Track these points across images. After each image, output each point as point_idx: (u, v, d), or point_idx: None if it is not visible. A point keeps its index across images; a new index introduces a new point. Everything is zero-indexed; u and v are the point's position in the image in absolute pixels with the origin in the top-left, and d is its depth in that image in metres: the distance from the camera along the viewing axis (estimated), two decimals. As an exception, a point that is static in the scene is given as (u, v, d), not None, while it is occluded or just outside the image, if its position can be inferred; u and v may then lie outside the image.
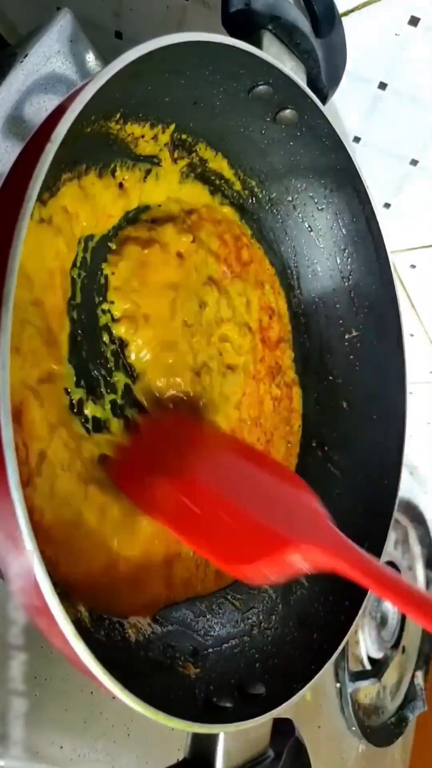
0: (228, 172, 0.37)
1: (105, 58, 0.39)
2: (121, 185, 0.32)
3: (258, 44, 0.32)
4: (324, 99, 0.36)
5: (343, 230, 0.38)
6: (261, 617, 0.36)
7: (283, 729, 0.31)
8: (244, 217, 0.39)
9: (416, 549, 0.80)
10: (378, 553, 0.34)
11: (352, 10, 0.41)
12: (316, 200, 0.38)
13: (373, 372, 0.39)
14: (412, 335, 0.67)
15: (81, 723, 0.37)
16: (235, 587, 0.36)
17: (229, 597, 0.36)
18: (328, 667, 0.31)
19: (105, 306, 0.31)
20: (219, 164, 0.36)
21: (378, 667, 0.71)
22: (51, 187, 0.28)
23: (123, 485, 0.27)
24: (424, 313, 0.64)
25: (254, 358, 0.39)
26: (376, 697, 0.74)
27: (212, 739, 0.27)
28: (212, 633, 0.34)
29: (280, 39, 0.33)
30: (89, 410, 0.29)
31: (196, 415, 0.32)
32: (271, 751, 0.30)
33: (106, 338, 0.31)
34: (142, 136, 0.32)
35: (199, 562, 0.34)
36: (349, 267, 0.39)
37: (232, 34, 0.32)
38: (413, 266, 0.59)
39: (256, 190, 0.38)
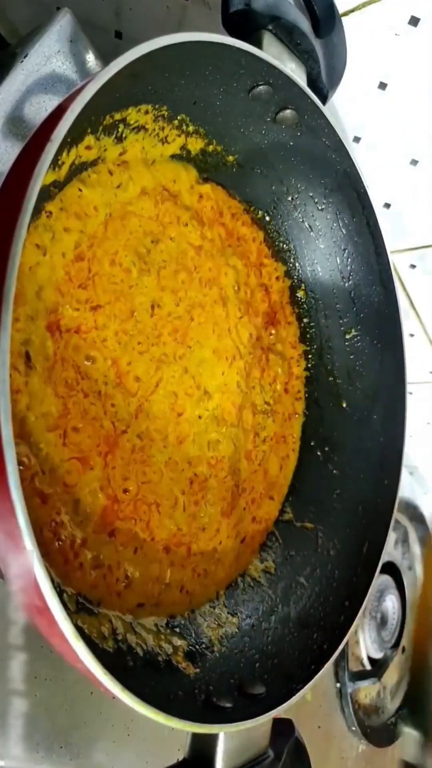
0: (228, 172, 0.37)
1: (105, 58, 0.39)
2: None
3: (258, 44, 0.32)
4: (324, 99, 0.36)
5: (343, 230, 0.38)
6: (261, 617, 0.36)
7: (283, 729, 0.31)
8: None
9: (416, 549, 0.80)
10: (379, 552, 0.34)
11: (352, 10, 0.41)
12: (316, 200, 0.38)
13: (373, 372, 0.39)
14: (412, 335, 0.67)
15: (81, 723, 0.37)
16: (231, 592, 0.36)
17: (227, 599, 0.36)
18: (328, 667, 0.31)
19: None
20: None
21: (378, 667, 0.71)
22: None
23: None
24: (424, 313, 0.64)
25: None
26: (376, 697, 0.74)
27: (212, 739, 0.27)
28: (212, 632, 0.34)
29: (280, 39, 0.33)
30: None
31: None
32: (271, 751, 0.30)
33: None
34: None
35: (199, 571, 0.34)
36: (349, 267, 0.39)
37: (233, 35, 0.32)
38: (413, 266, 0.59)
39: (256, 190, 0.38)
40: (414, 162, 0.50)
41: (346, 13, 0.41)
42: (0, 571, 0.22)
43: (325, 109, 0.33)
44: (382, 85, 0.45)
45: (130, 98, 0.29)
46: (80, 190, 0.30)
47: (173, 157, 0.34)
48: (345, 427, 0.40)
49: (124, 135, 0.31)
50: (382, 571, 0.71)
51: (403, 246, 0.58)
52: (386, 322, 0.37)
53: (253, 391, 0.39)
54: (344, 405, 0.40)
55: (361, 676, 0.68)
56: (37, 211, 0.28)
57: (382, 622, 0.72)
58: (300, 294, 0.41)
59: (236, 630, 0.35)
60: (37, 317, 0.28)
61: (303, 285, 0.41)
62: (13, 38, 0.48)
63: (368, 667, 0.71)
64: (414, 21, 0.41)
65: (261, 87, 0.31)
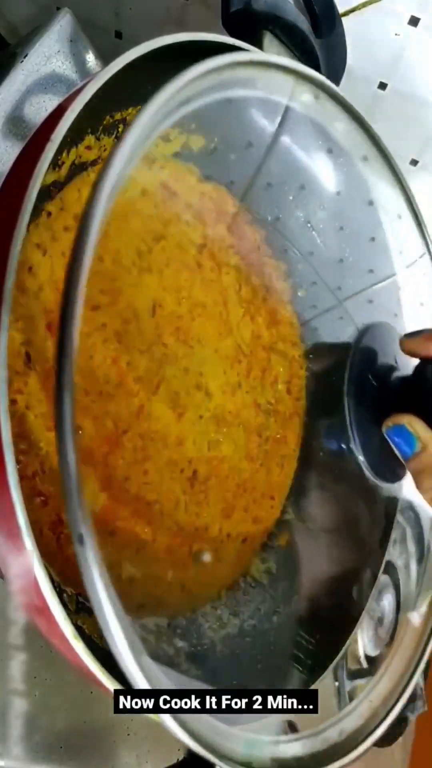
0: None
1: (105, 58, 0.39)
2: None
3: (258, 44, 0.32)
4: (324, 99, 0.36)
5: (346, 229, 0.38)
6: (263, 618, 0.36)
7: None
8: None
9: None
10: (382, 553, 0.34)
11: (352, 10, 0.41)
12: (318, 199, 0.38)
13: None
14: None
15: (81, 723, 0.37)
16: (232, 594, 0.36)
17: (229, 599, 0.36)
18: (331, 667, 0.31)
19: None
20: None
21: (374, 665, 0.71)
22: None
23: None
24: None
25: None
26: (375, 697, 0.73)
27: (212, 739, 0.27)
28: (214, 633, 0.34)
29: (280, 39, 0.33)
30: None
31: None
32: (272, 751, 0.30)
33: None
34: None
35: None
36: (351, 267, 0.39)
37: (233, 35, 0.32)
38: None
39: (256, 189, 0.38)
40: (414, 162, 0.50)
41: (346, 13, 0.41)
42: (0, 571, 0.22)
43: (326, 109, 0.33)
44: (382, 85, 0.45)
45: (131, 98, 0.29)
46: (80, 190, 0.30)
47: (174, 155, 0.34)
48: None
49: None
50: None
51: (403, 246, 0.58)
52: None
53: (255, 390, 0.39)
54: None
55: (358, 674, 0.68)
56: (37, 211, 0.28)
57: (380, 621, 0.72)
58: (301, 293, 0.41)
59: (238, 631, 0.35)
60: (37, 317, 0.28)
61: (304, 284, 0.41)
62: (13, 38, 0.48)
63: (365, 665, 0.70)
64: (414, 21, 0.41)
65: (261, 87, 0.31)
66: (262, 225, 0.40)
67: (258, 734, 0.26)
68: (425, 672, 0.79)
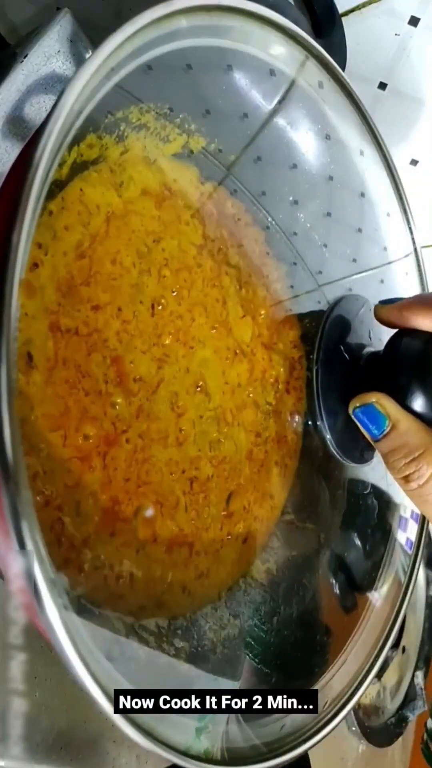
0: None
1: (105, 58, 0.39)
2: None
3: (258, 44, 0.32)
4: (324, 99, 0.36)
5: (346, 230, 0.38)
6: (263, 619, 0.36)
7: (283, 729, 0.31)
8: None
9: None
10: (381, 553, 0.34)
11: (352, 10, 0.41)
12: (318, 201, 0.38)
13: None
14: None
15: (81, 723, 0.37)
16: (233, 595, 0.36)
17: (229, 600, 0.36)
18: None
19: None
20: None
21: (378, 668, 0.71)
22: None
23: None
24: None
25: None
26: (376, 698, 0.74)
27: (213, 739, 0.27)
28: (214, 634, 0.34)
29: (280, 39, 0.33)
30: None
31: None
32: (272, 751, 0.30)
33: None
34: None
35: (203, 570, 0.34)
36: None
37: (233, 34, 0.32)
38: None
39: (256, 189, 0.38)
40: (414, 162, 0.50)
41: (346, 13, 0.41)
42: (0, 571, 0.22)
43: (326, 109, 0.33)
44: (382, 85, 0.45)
45: (132, 97, 0.29)
46: (81, 189, 0.30)
47: (175, 155, 0.34)
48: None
49: (125, 134, 0.31)
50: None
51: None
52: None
53: (255, 391, 0.39)
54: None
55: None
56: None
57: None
58: (302, 294, 0.41)
59: (238, 632, 0.35)
60: (39, 317, 0.28)
61: (285, 263, 0.41)
62: (13, 38, 0.48)
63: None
64: (414, 21, 0.41)
65: (262, 86, 0.31)
66: (264, 225, 0.40)
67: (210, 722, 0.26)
68: (425, 672, 0.79)
